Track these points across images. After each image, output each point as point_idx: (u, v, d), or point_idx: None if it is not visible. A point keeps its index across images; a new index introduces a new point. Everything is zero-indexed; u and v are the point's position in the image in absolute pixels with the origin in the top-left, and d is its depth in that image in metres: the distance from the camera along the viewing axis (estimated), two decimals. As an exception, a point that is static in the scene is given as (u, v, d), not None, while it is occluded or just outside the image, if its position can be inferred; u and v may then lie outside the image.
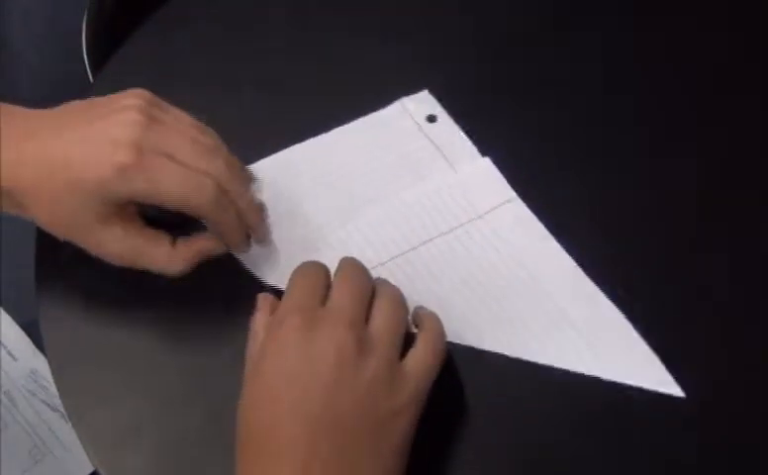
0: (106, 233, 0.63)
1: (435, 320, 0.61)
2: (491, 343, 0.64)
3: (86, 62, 0.92)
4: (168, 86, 0.70)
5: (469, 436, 0.61)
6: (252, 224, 0.66)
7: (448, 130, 0.74)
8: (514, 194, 0.71)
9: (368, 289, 0.60)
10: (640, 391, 0.62)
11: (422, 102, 0.76)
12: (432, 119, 0.75)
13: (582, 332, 0.64)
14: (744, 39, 0.81)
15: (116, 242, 0.64)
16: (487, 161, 0.72)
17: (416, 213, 0.70)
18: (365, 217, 0.69)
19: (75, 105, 0.65)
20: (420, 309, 0.62)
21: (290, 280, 0.60)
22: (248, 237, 0.66)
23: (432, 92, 0.76)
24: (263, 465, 0.54)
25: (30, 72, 0.64)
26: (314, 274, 0.60)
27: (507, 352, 0.64)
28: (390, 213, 0.70)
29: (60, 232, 0.64)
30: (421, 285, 0.66)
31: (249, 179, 0.69)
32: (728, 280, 0.68)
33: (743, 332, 0.65)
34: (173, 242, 0.65)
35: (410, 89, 0.77)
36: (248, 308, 0.60)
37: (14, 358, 1.16)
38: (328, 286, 0.60)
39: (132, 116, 0.62)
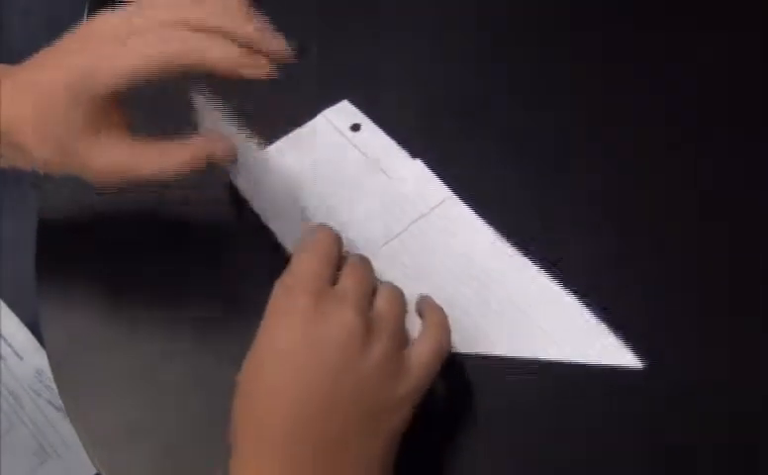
0: (96, 144, 0.62)
1: (441, 314, 0.61)
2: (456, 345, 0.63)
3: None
4: (168, 86, 0.70)
5: (460, 435, 0.62)
6: (263, 45, 0.61)
7: (374, 136, 0.74)
8: (450, 192, 0.70)
9: (373, 279, 0.59)
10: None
11: (343, 112, 0.76)
12: (356, 128, 0.75)
13: (532, 317, 0.64)
14: (744, 39, 0.81)
15: (106, 153, 0.62)
16: (419, 163, 0.72)
17: (356, 225, 0.69)
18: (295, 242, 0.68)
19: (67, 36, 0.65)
20: (425, 297, 0.62)
21: (302, 245, 0.59)
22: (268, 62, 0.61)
23: (352, 102, 0.76)
24: (257, 438, 0.54)
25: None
26: (327, 246, 0.59)
27: (463, 350, 0.63)
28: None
29: (52, 154, 0.63)
30: None
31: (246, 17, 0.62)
32: (728, 280, 0.68)
33: (740, 332, 0.65)
34: (168, 142, 0.63)
35: (328, 101, 0.76)
36: (250, 307, 0.60)
37: (20, 358, 1.17)
38: (338, 258, 0.59)
39: (102, 19, 0.62)
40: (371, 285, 0.59)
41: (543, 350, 0.63)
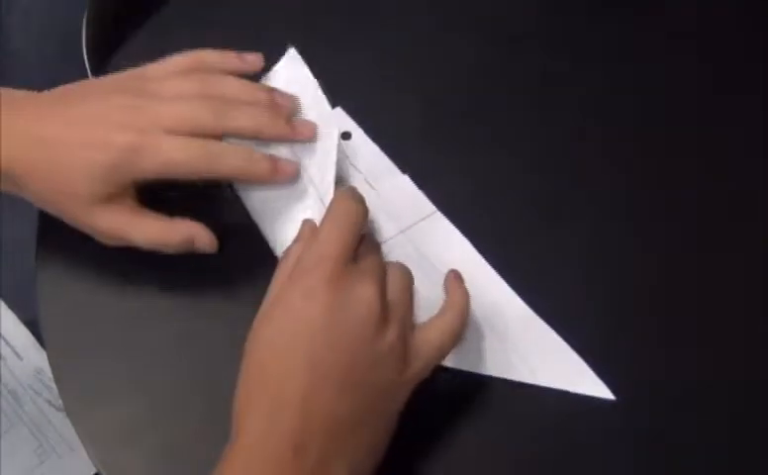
0: (104, 210, 0.63)
1: (461, 297, 0.62)
2: None
3: (86, 62, 0.92)
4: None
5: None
6: (278, 134, 0.67)
7: (364, 146, 0.74)
8: (434, 208, 0.70)
9: (384, 261, 0.61)
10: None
11: (335, 120, 0.75)
12: (346, 136, 0.74)
13: (509, 340, 0.65)
14: (745, 38, 0.81)
15: (109, 218, 0.64)
16: (406, 178, 0.72)
17: None
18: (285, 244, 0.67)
19: (67, 87, 0.66)
20: (455, 274, 0.63)
21: (331, 213, 0.60)
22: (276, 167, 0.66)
23: (345, 109, 0.76)
24: (269, 403, 0.55)
25: (30, 72, 0.64)
26: (355, 218, 0.60)
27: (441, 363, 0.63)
28: None
29: (54, 210, 0.64)
30: None
31: (256, 91, 0.68)
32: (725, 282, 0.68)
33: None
34: (166, 220, 0.65)
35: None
36: (251, 307, 0.60)
37: (19, 357, 1.17)
38: (362, 228, 0.60)
39: (124, 98, 0.63)
40: (385, 266, 0.60)
41: (517, 373, 0.63)
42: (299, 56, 0.72)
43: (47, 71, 0.65)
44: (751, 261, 0.69)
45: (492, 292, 0.67)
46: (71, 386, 0.65)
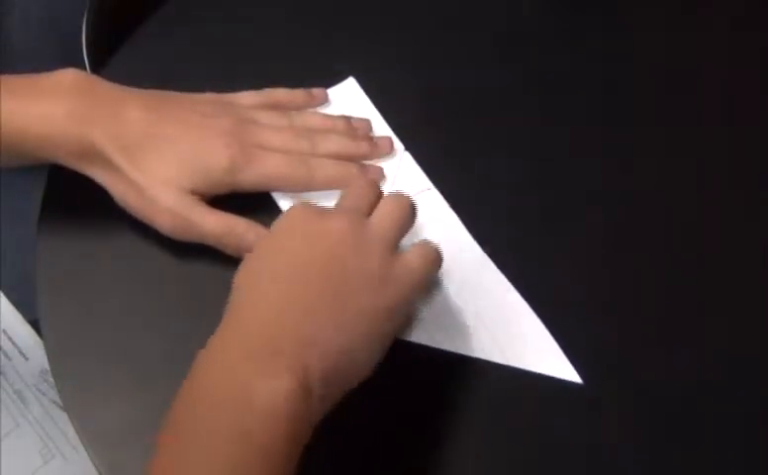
0: (180, 193, 0.66)
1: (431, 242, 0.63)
2: (406, 333, 0.65)
3: (86, 63, 0.92)
4: (169, 86, 0.70)
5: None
6: (363, 153, 0.72)
7: (371, 119, 0.75)
8: (430, 184, 0.72)
9: (410, 218, 0.63)
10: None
11: (346, 90, 0.77)
12: (356, 108, 0.76)
13: (485, 319, 0.65)
14: (744, 38, 0.81)
15: (181, 203, 0.66)
16: (407, 154, 0.74)
17: (332, 198, 0.69)
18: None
19: (159, 93, 0.70)
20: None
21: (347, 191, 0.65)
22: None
23: (359, 81, 0.77)
24: (255, 303, 0.58)
25: (30, 72, 0.64)
26: (368, 189, 0.64)
27: (415, 339, 0.64)
28: None
29: (136, 192, 0.66)
30: None
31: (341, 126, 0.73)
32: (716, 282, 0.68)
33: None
34: (233, 215, 0.68)
35: (335, 78, 0.77)
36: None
37: (25, 358, 1.17)
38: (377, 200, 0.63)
39: (231, 120, 0.69)
40: (406, 223, 0.62)
41: (489, 352, 0.64)
42: (358, 86, 0.77)
43: (46, 71, 0.65)
44: (751, 261, 0.69)
45: (477, 271, 0.67)
46: (71, 386, 0.65)
